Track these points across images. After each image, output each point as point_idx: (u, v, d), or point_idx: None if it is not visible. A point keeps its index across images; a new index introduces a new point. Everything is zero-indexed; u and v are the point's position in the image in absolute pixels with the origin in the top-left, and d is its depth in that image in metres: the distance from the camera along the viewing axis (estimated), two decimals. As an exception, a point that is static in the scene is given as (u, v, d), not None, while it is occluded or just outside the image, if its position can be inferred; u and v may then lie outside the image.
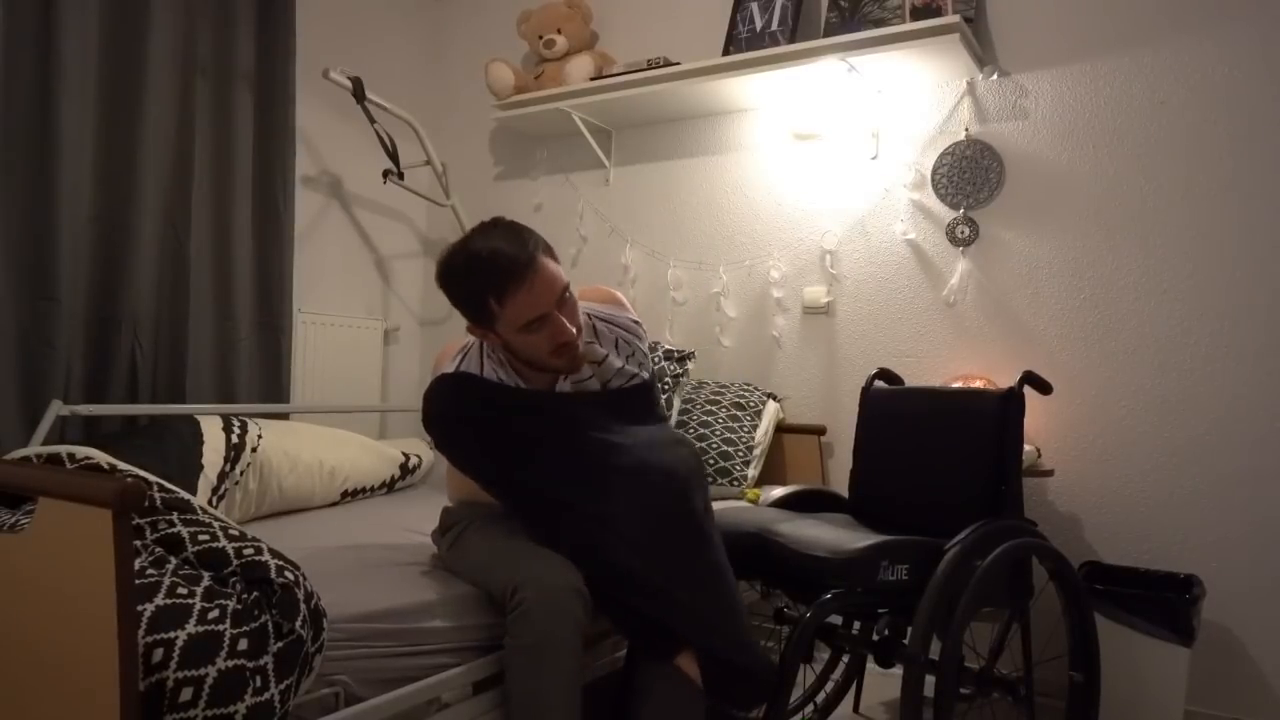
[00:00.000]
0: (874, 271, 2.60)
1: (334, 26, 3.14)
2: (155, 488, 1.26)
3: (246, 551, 1.19)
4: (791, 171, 2.75)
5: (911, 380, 2.27)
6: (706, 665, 1.45)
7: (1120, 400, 2.22)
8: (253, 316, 2.77)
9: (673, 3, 3.01)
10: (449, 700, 1.43)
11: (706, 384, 2.68)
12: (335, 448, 2.45)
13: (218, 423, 2.20)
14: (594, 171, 3.15)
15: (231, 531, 1.24)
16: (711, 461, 2.44)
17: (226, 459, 2.12)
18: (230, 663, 1.06)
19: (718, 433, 2.48)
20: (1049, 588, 1.84)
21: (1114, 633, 1.93)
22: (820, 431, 2.62)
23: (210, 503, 2.04)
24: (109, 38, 2.40)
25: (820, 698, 2.11)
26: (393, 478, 2.61)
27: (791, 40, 2.57)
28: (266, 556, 1.19)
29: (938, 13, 2.29)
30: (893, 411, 2.03)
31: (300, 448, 2.32)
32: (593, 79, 2.86)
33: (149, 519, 1.23)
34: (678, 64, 2.69)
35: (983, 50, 2.42)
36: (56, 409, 2.11)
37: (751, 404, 2.56)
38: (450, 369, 1.60)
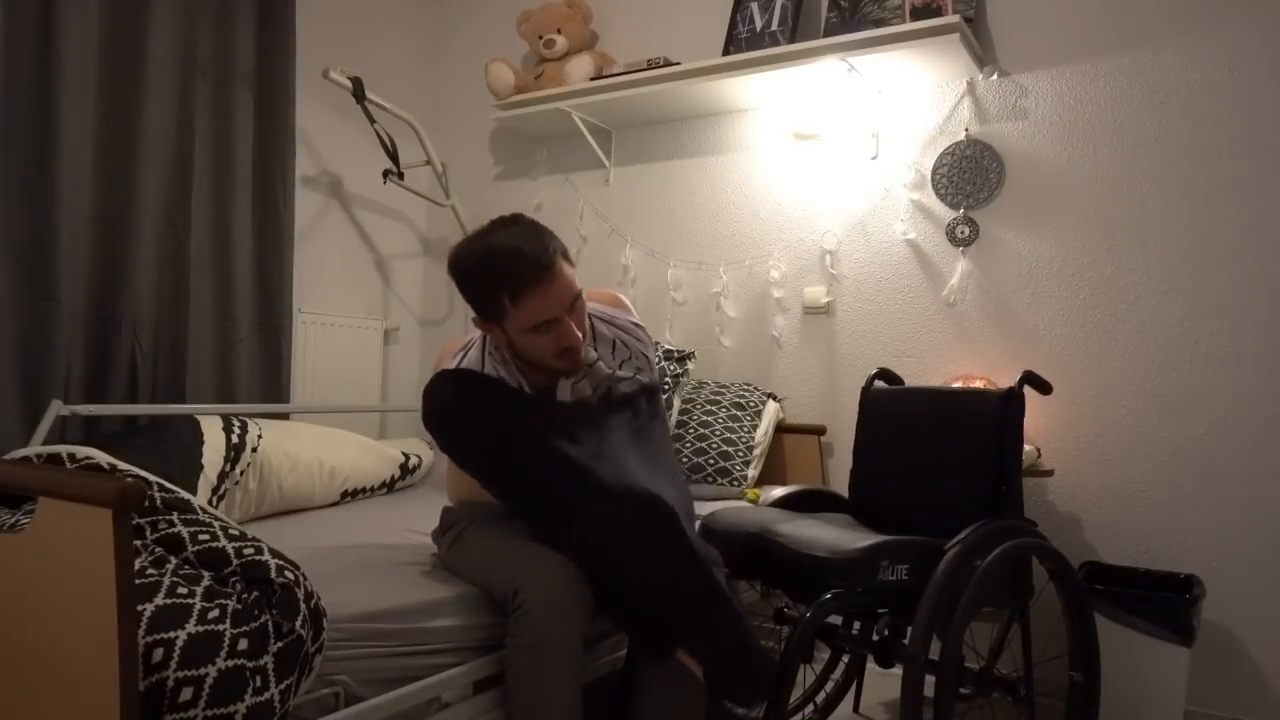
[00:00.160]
0: (874, 271, 2.60)
1: (334, 26, 3.14)
2: (155, 488, 1.26)
3: (246, 551, 1.19)
4: (791, 171, 2.75)
5: (911, 380, 2.26)
6: (706, 663, 1.44)
7: (1120, 400, 2.22)
8: (253, 316, 2.77)
9: (673, 3, 3.01)
10: (449, 700, 1.43)
11: (706, 384, 2.68)
12: (335, 448, 2.45)
13: (218, 423, 2.20)
14: (594, 171, 3.15)
15: (231, 531, 1.24)
16: (711, 461, 2.44)
17: (226, 459, 2.12)
18: (230, 662, 1.06)
19: (718, 433, 2.48)
20: (1049, 588, 1.84)
21: (1114, 633, 1.93)
22: (820, 431, 2.62)
23: (210, 503, 2.04)
24: (109, 38, 2.40)
25: (820, 698, 2.11)
26: (393, 478, 2.62)
27: (791, 40, 2.57)
28: (266, 556, 1.19)
29: (938, 13, 2.29)
30: (893, 411, 2.03)
31: (300, 448, 2.32)
32: (593, 79, 2.86)
33: (149, 519, 1.23)
34: (678, 64, 2.69)
35: (983, 50, 2.42)
36: (56, 409, 2.11)
37: (751, 404, 2.56)
38: (450, 366, 1.60)
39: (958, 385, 2.31)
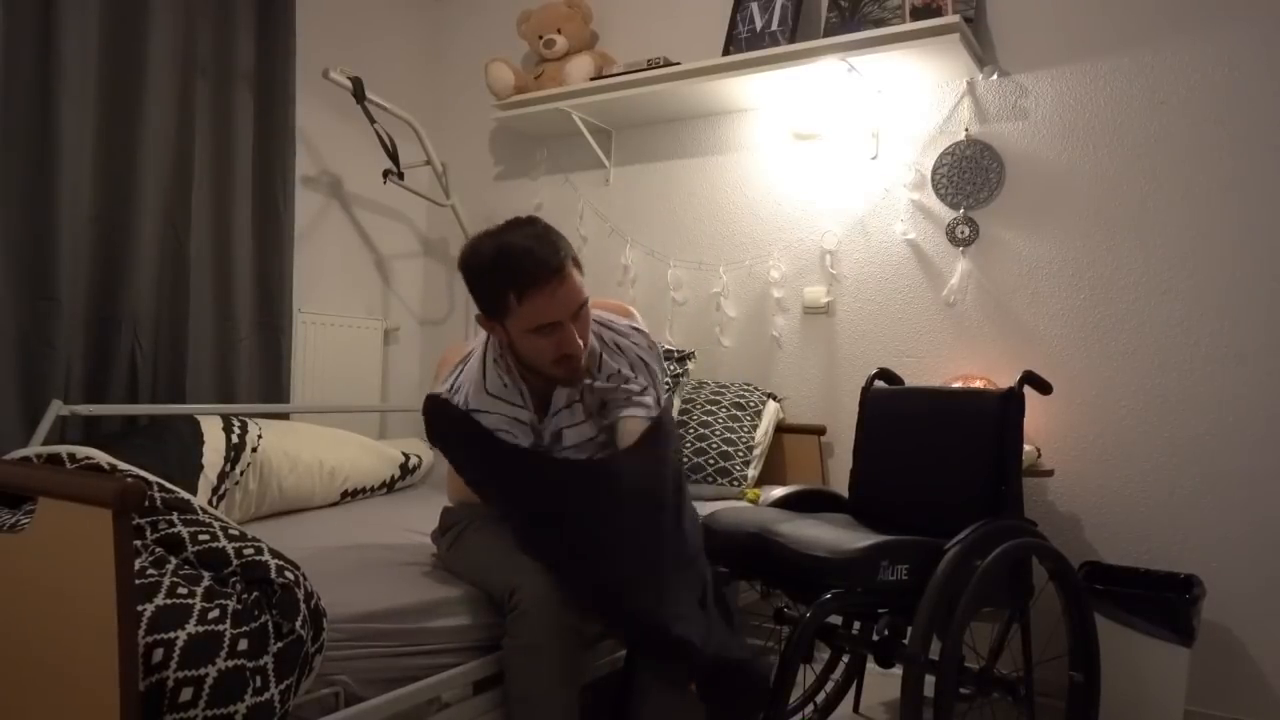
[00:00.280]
0: (874, 271, 2.60)
1: (334, 26, 3.14)
2: (155, 488, 1.26)
3: (246, 551, 1.19)
4: (791, 171, 2.75)
5: (911, 380, 2.26)
6: (702, 677, 1.44)
7: (1120, 400, 2.22)
8: (253, 316, 2.77)
9: (673, 3, 3.01)
10: (449, 700, 1.43)
11: (706, 384, 2.68)
12: (335, 448, 2.45)
13: (218, 423, 2.20)
14: (594, 171, 3.15)
15: (231, 531, 1.24)
16: (711, 461, 2.44)
17: (226, 459, 2.12)
18: (230, 663, 1.06)
19: (718, 433, 2.48)
20: (1049, 588, 1.84)
21: (1114, 633, 1.93)
22: (820, 431, 2.62)
23: (210, 503, 2.04)
24: (109, 38, 2.40)
25: (820, 698, 2.11)
26: (393, 478, 2.62)
27: (791, 40, 2.57)
28: (266, 556, 1.19)
29: (938, 13, 2.29)
30: (893, 411, 2.03)
31: (300, 448, 2.33)
32: (593, 79, 2.86)
33: (149, 519, 1.23)
34: (678, 64, 2.69)
35: (983, 50, 2.42)
36: (56, 409, 2.11)
37: (751, 404, 2.56)
38: (445, 386, 1.60)
39: (958, 385, 2.31)
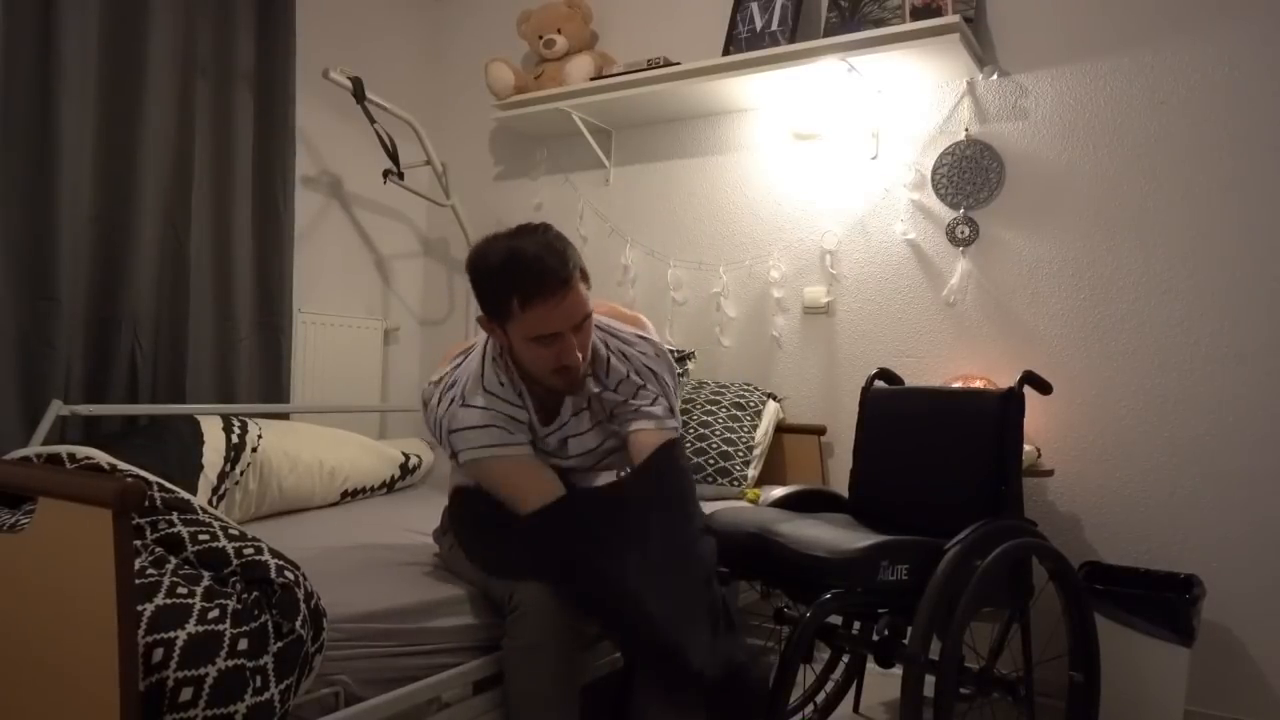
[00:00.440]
0: (874, 271, 2.60)
1: (334, 26, 3.14)
2: (155, 488, 1.26)
3: (246, 551, 1.19)
4: (791, 171, 2.75)
5: (911, 380, 2.26)
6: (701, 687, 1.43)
7: (1120, 400, 2.22)
8: (253, 316, 2.77)
9: (673, 3, 3.01)
10: (449, 700, 1.43)
11: (706, 384, 2.68)
12: (335, 448, 2.45)
13: (218, 423, 2.20)
14: (594, 171, 3.15)
15: (231, 531, 1.24)
16: (711, 461, 2.44)
17: (226, 459, 2.12)
18: (230, 662, 1.06)
19: (718, 433, 2.48)
20: (1049, 588, 1.84)
21: (1114, 633, 1.93)
22: (820, 431, 2.62)
23: (210, 503, 2.04)
24: (109, 38, 2.40)
25: (820, 698, 2.11)
26: (393, 478, 2.62)
27: (791, 40, 2.57)
28: (266, 556, 1.19)
29: (938, 13, 2.29)
30: (893, 411, 2.03)
31: (300, 448, 2.32)
32: (593, 79, 2.86)
33: (149, 519, 1.22)
34: (678, 64, 2.69)
35: (983, 50, 2.42)
36: (56, 409, 2.11)
37: (751, 404, 2.56)
38: (437, 377, 1.60)
39: (958, 385, 2.31)
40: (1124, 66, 2.25)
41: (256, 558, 1.19)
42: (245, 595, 1.14)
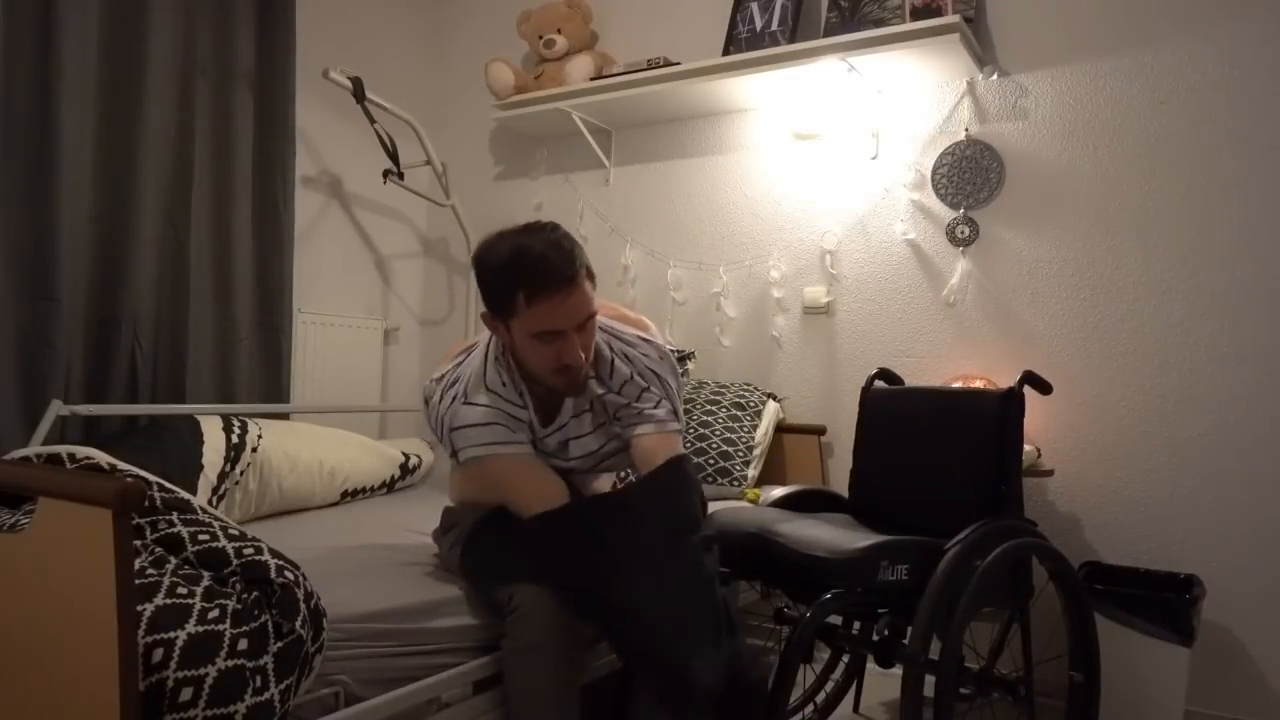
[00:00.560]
0: (874, 271, 2.60)
1: (334, 26, 3.14)
2: (155, 488, 1.26)
3: (246, 551, 1.19)
4: (791, 171, 2.75)
5: (911, 380, 2.27)
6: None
7: (1120, 400, 2.22)
8: (253, 316, 2.77)
9: (673, 3, 3.01)
10: (449, 700, 1.43)
11: (706, 384, 2.68)
12: (335, 448, 2.44)
13: (218, 423, 2.20)
14: (594, 171, 3.15)
15: (231, 531, 1.24)
16: (711, 461, 2.44)
17: (226, 459, 2.12)
18: (230, 662, 1.06)
19: (718, 433, 2.48)
20: (1049, 588, 1.84)
21: (1114, 633, 1.93)
22: (820, 431, 2.62)
23: (210, 503, 2.04)
24: (109, 38, 2.40)
25: (820, 698, 2.11)
26: (393, 478, 2.61)
27: (791, 40, 2.57)
28: (266, 556, 1.19)
29: (938, 13, 2.29)
30: (893, 411, 2.03)
31: (300, 448, 2.32)
32: (593, 79, 2.86)
33: (149, 519, 1.22)
34: (678, 64, 2.69)
35: (983, 50, 2.42)
36: (56, 409, 2.11)
37: (751, 404, 2.56)
38: (439, 375, 1.60)
39: (958, 385, 2.31)
40: (1124, 66, 2.25)
41: (256, 558, 1.19)
42: (245, 595, 1.14)
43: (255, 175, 2.78)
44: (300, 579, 1.19)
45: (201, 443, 2.11)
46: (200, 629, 1.06)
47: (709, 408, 2.56)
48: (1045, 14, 2.35)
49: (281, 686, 1.10)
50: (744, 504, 2.32)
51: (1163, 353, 2.18)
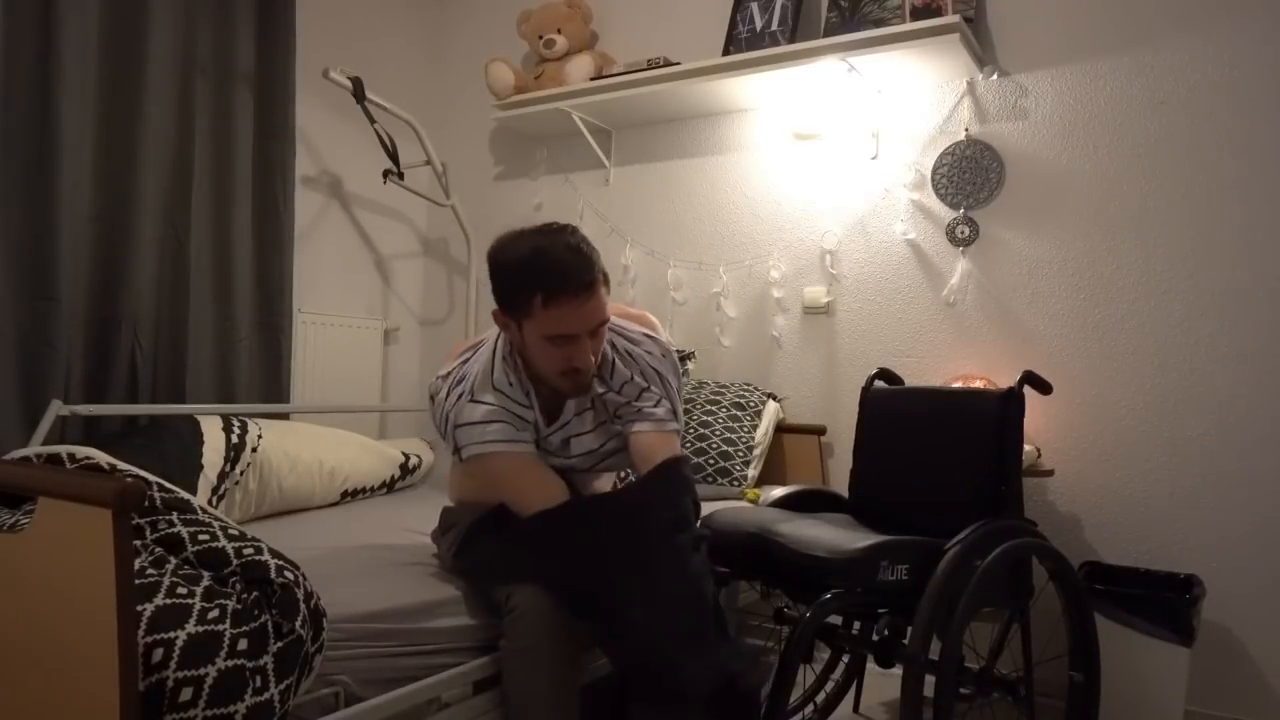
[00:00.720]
0: (874, 271, 2.60)
1: (334, 26, 3.14)
2: (155, 488, 1.26)
3: (246, 551, 1.19)
4: (791, 171, 2.75)
5: (911, 380, 2.27)
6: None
7: (1120, 400, 2.22)
8: (253, 316, 2.77)
9: (673, 3, 3.01)
10: (449, 700, 1.43)
11: (706, 384, 2.68)
12: (335, 448, 2.44)
13: (218, 423, 2.20)
14: (594, 171, 3.15)
15: (231, 531, 1.24)
16: (711, 461, 2.44)
17: (226, 459, 2.12)
18: (230, 662, 1.06)
19: (718, 433, 2.48)
20: (1049, 588, 1.84)
21: (1114, 633, 1.93)
22: (820, 431, 2.62)
23: (210, 503, 2.04)
24: (109, 38, 2.40)
25: (820, 698, 2.11)
26: (393, 478, 2.61)
27: (791, 40, 2.57)
28: (266, 556, 1.19)
29: (938, 13, 2.28)
30: (893, 411, 2.03)
31: (300, 448, 2.32)
32: (593, 79, 2.86)
33: (149, 519, 1.22)
34: (678, 64, 2.69)
35: (983, 50, 2.42)
36: (56, 409, 2.11)
37: (751, 404, 2.56)
38: (445, 371, 1.60)
39: (958, 385, 2.31)
40: (1124, 66, 2.25)
41: (256, 558, 1.19)
42: (245, 595, 1.14)
43: (255, 175, 2.78)
44: (300, 579, 1.19)
45: (201, 443, 2.11)
46: (200, 629, 1.06)
47: (709, 408, 2.56)
48: (1045, 14, 2.35)
49: (281, 686, 1.10)
50: (744, 504, 2.32)
51: (1163, 353, 2.18)
